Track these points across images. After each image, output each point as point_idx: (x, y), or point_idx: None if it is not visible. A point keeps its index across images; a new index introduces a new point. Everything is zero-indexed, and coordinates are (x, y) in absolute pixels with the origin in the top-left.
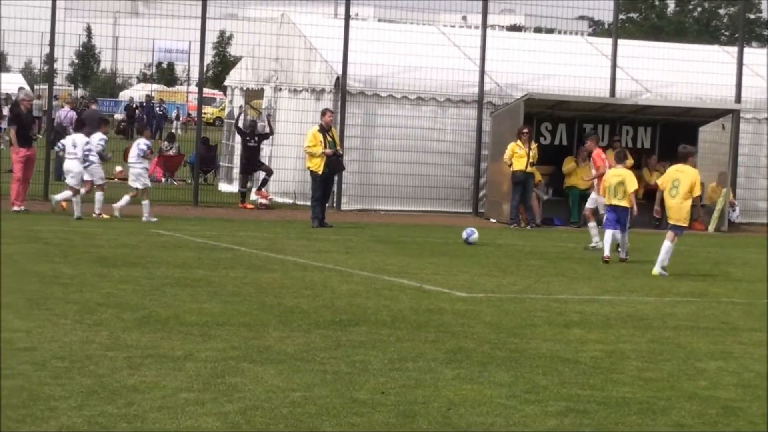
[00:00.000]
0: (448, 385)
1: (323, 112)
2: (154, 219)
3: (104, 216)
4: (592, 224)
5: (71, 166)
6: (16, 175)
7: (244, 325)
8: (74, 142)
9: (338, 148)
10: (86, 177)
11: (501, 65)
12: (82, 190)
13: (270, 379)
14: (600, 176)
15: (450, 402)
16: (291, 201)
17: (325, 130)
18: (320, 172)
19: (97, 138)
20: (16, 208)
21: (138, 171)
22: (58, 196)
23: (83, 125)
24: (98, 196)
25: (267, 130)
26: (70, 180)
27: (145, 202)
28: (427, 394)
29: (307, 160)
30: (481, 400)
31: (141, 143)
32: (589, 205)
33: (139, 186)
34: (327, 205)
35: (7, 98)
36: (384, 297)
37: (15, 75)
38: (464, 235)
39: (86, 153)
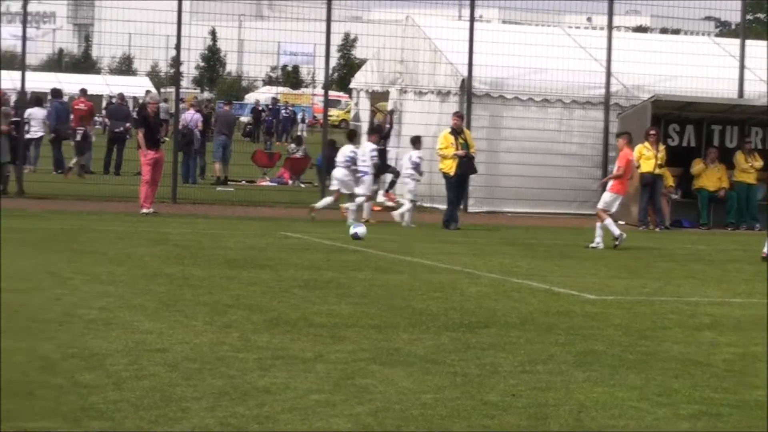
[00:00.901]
0: (578, 388)
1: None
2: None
3: (371, 221)
4: (608, 222)
5: (338, 174)
6: (144, 177)
7: (374, 327)
8: (352, 152)
9: (472, 150)
10: (357, 189)
11: (627, 66)
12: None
13: (400, 381)
14: (617, 177)
15: (581, 405)
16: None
17: (456, 132)
18: (452, 174)
19: (369, 148)
20: (144, 210)
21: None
22: (320, 204)
23: (354, 136)
24: (366, 205)
25: (387, 126)
26: (335, 185)
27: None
28: (558, 396)
29: (439, 162)
30: (612, 402)
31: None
32: (600, 205)
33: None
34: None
35: (126, 101)
36: (513, 299)
37: (142, 78)
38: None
39: (348, 161)
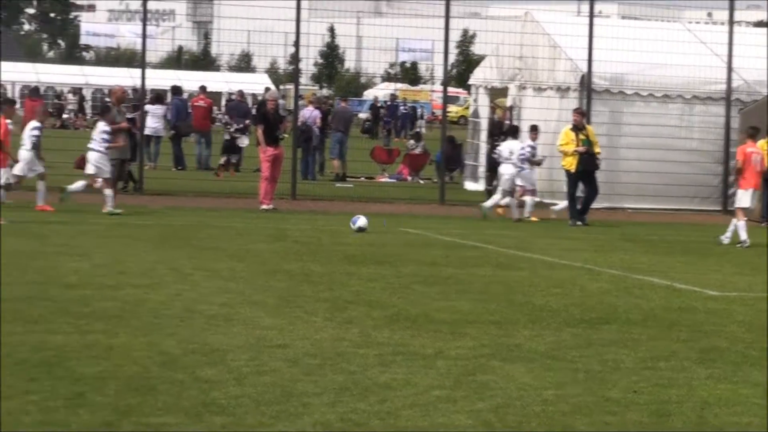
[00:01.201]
0: (701, 385)
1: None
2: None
3: (533, 219)
4: (740, 224)
5: (506, 170)
6: (264, 174)
7: (494, 323)
8: (511, 149)
9: (596, 149)
10: (519, 182)
11: (749, 62)
12: (507, 199)
13: (521, 377)
14: (737, 172)
15: (704, 402)
16: (538, 199)
17: (577, 128)
18: (573, 170)
19: (525, 144)
20: (264, 206)
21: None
22: (488, 203)
23: (515, 131)
24: (529, 200)
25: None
26: (503, 184)
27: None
28: (680, 393)
29: (561, 159)
30: (735, 400)
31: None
32: (737, 204)
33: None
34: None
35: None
36: (634, 295)
37: (261, 75)
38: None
39: (521, 158)
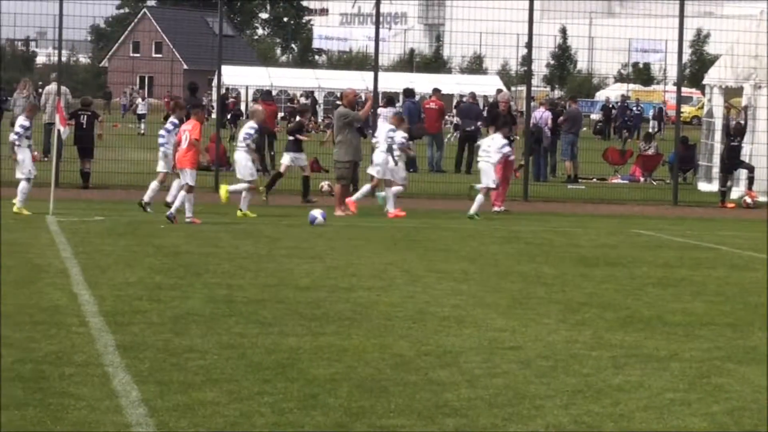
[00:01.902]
0: None
1: None
2: None
3: None
4: None
5: None
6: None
7: (729, 325)
8: None
9: None
10: None
11: None
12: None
13: (757, 380)
14: None
15: None
16: None
17: None
18: None
19: None
20: (496, 208)
21: None
22: None
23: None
24: None
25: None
26: None
27: None
28: None
29: None
30: None
31: None
32: None
33: None
34: None
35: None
36: None
37: (492, 77)
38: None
39: None
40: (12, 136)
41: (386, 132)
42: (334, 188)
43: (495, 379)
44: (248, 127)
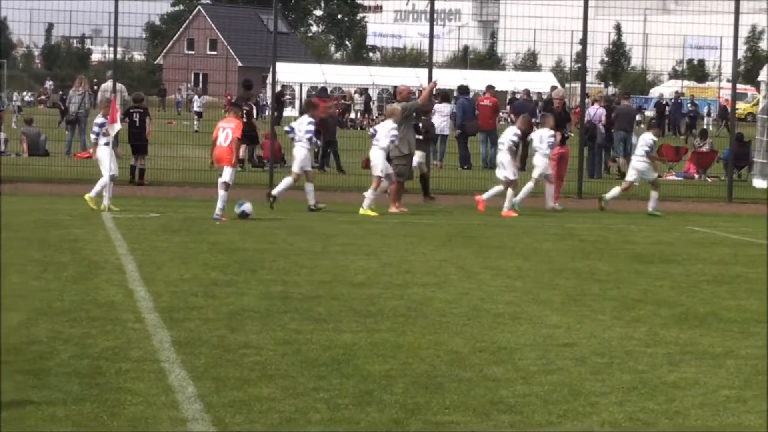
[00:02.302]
0: None
1: None
2: None
3: None
4: None
5: None
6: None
7: None
8: None
9: None
10: None
11: None
12: None
13: None
14: None
15: None
16: None
17: None
18: None
19: None
20: (550, 205)
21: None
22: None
23: None
24: None
25: None
26: None
27: None
28: None
29: None
30: None
31: None
32: None
33: None
34: None
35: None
36: None
37: (546, 74)
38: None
39: None
40: (92, 136)
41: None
42: (390, 185)
43: (550, 376)
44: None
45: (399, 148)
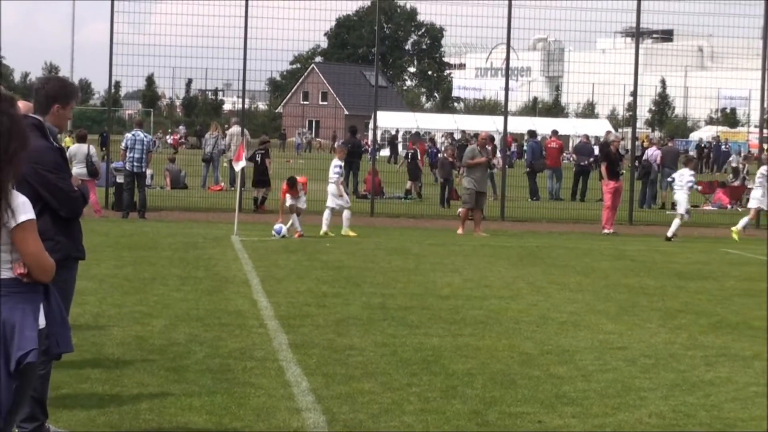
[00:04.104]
0: None
1: None
2: None
3: None
4: None
5: None
6: (606, 203)
7: None
8: None
9: None
10: None
11: None
12: None
13: None
14: None
15: None
16: None
17: None
18: None
19: None
20: (606, 231)
21: None
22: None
23: None
24: None
25: None
26: None
27: None
28: None
29: None
30: None
31: None
32: None
33: None
34: None
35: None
36: None
37: (602, 120)
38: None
39: None
40: (334, 177)
41: (333, 167)
42: (461, 211)
43: (605, 374)
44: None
45: (465, 182)
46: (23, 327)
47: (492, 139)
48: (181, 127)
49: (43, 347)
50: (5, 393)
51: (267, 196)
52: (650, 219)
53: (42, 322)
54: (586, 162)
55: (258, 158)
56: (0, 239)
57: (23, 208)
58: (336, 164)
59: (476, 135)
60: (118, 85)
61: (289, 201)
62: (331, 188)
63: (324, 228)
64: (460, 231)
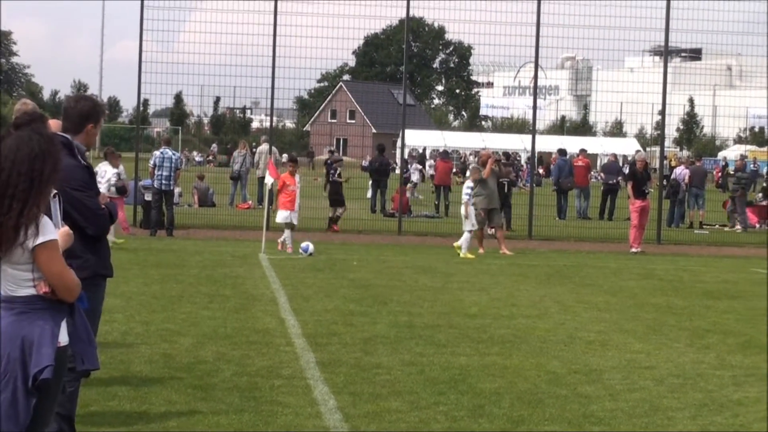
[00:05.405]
0: None
1: None
2: None
3: None
4: None
5: None
6: (633, 222)
7: None
8: None
9: None
10: None
11: None
12: None
13: None
14: None
15: None
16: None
17: None
18: None
19: None
20: (633, 250)
21: None
22: None
23: None
24: None
25: None
26: None
27: None
28: None
29: None
30: None
31: None
32: None
33: None
34: None
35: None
36: None
37: (630, 139)
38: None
39: None
40: (464, 197)
41: (465, 188)
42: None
43: (633, 394)
44: (466, 186)
45: (478, 201)
46: (41, 344)
47: (508, 156)
48: (213, 146)
49: (68, 365)
50: (23, 409)
51: (342, 215)
52: (678, 238)
53: (64, 339)
54: (614, 181)
55: (334, 175)
56: (16, 258)
57: (46, 229)
58: (468, 185)
59: (477, 153)
60: (146, 102)
61: (285, 218)
62: (468, 210)
63: (464, 250)
64: (480, 251)
